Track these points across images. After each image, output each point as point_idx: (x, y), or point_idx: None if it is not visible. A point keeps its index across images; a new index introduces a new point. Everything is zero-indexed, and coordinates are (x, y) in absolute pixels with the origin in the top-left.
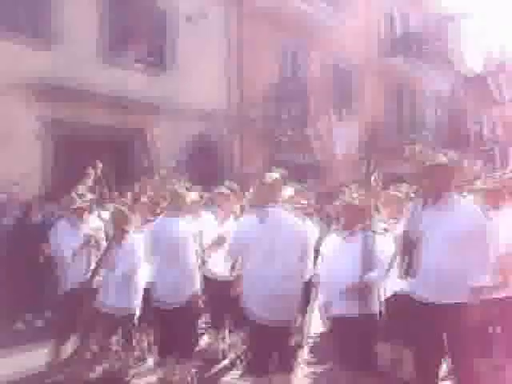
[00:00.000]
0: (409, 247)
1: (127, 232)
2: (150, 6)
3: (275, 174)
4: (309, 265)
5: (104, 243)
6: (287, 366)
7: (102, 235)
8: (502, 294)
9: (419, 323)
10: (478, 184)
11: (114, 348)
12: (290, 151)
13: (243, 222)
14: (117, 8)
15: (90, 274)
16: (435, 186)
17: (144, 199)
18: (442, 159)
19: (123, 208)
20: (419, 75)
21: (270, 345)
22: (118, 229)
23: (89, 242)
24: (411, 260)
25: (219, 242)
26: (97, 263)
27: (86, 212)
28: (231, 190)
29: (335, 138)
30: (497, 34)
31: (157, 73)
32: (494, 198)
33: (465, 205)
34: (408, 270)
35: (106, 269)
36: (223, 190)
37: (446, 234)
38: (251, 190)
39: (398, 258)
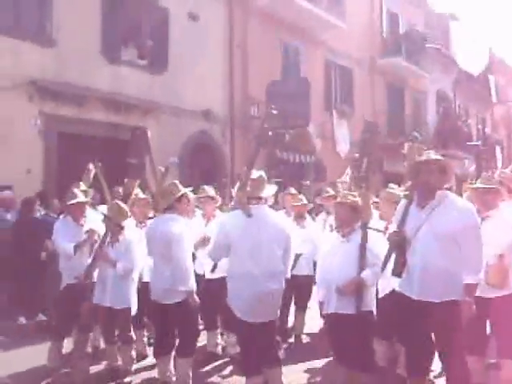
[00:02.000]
0: (398, 245)
1: (124, 228)
2: (152, 4)
3: (259, 172)
4: (290, 262)
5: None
6: (275, 360)
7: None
8: (497, 294)
9: (408, 320)
10: (478, 183)
11: (116, 343)
12: (292, 149)
13: (229, 218)
14: (119, 5)
15: (86, 268)
16: (428, 183)
17: (143, 196)
18: (435, 156)
19: (121, 203)
20: (422, 73)
21: (258, 341)
22: (116, 224)
23: (91, 236)
24: (400, 258)
25: (204, 242)
26: (93, 258)
27: (89, 208)
28: (211, 193)
29: (337, 137)
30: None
31: (159, 70)
32: (493, 197)
33: (457, 203)
34: (397, 268)
35: (105, 264)
36: (206, 191)
37: (437, 232)
38: (236, 187)
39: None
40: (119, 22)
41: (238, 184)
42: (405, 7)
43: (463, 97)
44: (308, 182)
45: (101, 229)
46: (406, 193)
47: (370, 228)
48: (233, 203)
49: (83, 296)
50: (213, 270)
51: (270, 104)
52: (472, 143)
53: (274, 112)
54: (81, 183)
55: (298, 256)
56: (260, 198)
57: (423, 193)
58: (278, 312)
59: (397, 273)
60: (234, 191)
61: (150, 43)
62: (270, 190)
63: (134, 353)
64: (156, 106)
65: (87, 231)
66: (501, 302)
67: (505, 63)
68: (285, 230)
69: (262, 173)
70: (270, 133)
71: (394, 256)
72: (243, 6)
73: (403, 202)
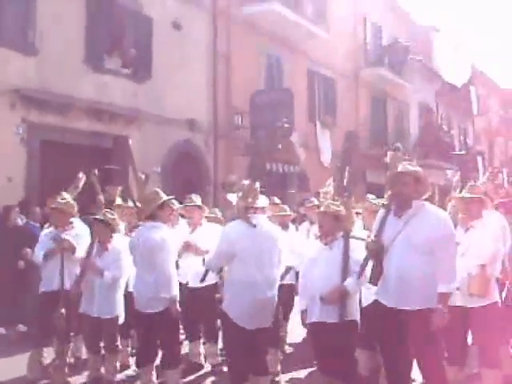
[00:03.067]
0: (376, 254)
1: (113, 237)
2: (136, 12)
3: (252, 183)
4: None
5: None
6: (263, 369)
7: (85, 240)
8: (479, 304)
9: (384, 329)
10: (463, 192)
11: (100, 352)
12: (275, 159)
13: (233, 227)
14: (103, 14)
15: (76, 278)
16: (402, 194)
17: (129, 204)
18: (410, 167)
19: (113, 213)
20: (404, 85)
21: (250, 348)
22: (106, 234)
23: (60, 244)
24: (377, 267)
25: (188, 248)
26: (81, 269)
27: (71, 217)
28: (198, 203)
29: (320, 147)
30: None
31: (143, 79)
32: (477, 206)
33: (433, 213)
34: (373, 277)
35: (92, 274)
36: (194, 200)
37: (412, 241)
38: (236, 197)
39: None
40: (103, 30)
41: (239, 194)
42: (388, 19)
43: (445, 108)
44: (293, 191)
45: (82, 239)
46: (385, 202)
47: (352, 237)
48: (235, 213)
49: (69, 305)
50: (203, 280)
51: (254, 114)
52: (458, 152)
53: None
54: (63, 193)
55: (288, 269)
56: (257, 208)
57: (400, 203)
58: (272, 319)
59: (373, 281)
60: (235, 201)
61: (134, 52)
62: (264, 200)
63: (118, 363)
64: (140, 114)
65: (56, 239)
66: (482, 312)
67: (485, 75)
68: (280, 240)
69: (256, 183)
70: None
71: (371, 264)
72: (227, 15)
73: (382, 211)
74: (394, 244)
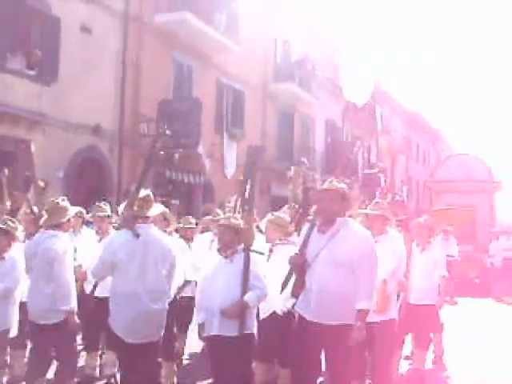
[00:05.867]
0: (299, 268)
1: (11, 246)
2: (43, 12)
3: (146, 191)
4: (174, 283)
5: None
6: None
7: None
8: (377, 319)
9: (300, 341)
10: (368, 210)
11: None
12: (181, 169)
13: (116, 237)
14: (8, 11)
15: None
16: (325, 210)
17: (27, 211)
18: (337, 184)
19: (14, 221)
20: (312, 100)
21: (139, 362)
22: (4, 242)
23: None
24: (299, 280)
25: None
26: None
27: None
28: (108, 212)
29: (226, 158)
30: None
31: (48, 81)
32: (380, 223)
33: (355, 231)
34: (295, 290)
35: None
36: (104, 209)
37: (334, 258)
38: (123, 206)
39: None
40: (7, 28)
41: (124, 203)
42: (297, 36)
43: (351, 125)
44: (177, 201)
45: None
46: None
47: (252, 250)
48: (119, 222)
49: None
50: (93, 291)
51: (161, 122)
52: (372, 171)
53: (167, 132)
54: None
55: (187, 282)
56: (147, 218)
57: (324, 219)
58: (162, 332)
59: (295, 294)
60: (120, 210)
61: (40, 53)
62: (156, 209)
63: (8, 375)
64: (43, 118)
65: None
66: (379, 327)
67: (389, 95)
68: (171, 251)
69: (149, 192)
70: (161, 152)
71: (289, 278)
72: (139, 21)
73: (306, 225)
74: (317, 259)
